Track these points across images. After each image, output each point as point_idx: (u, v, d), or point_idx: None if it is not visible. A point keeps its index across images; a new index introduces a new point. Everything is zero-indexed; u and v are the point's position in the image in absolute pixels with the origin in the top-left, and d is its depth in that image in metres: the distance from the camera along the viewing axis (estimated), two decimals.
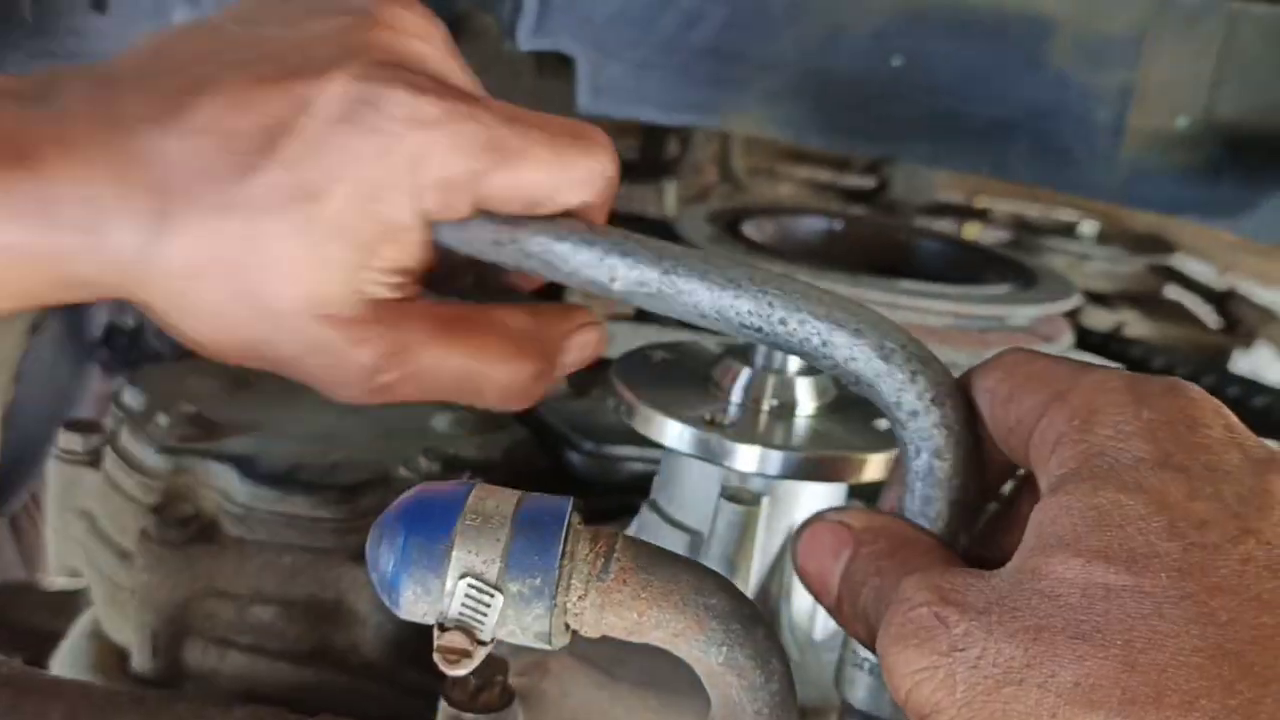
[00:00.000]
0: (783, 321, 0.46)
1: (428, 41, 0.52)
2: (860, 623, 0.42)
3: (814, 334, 0.46)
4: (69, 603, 1.23)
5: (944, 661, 0.36)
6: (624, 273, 0.49)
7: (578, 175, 0.51)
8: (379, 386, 0.52)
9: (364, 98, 0.48)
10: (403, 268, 0.51)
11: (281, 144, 0.47)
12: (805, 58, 1.03)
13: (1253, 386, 1.04)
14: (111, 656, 0.74)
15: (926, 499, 0.44)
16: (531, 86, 1.26)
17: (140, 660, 0.69)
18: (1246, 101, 0.97)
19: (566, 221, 0.51)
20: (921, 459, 0.44)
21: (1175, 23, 0.97)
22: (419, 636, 0.69)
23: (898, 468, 0.48)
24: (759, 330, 0.47)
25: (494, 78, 1.26)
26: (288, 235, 0.47)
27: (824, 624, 0.62)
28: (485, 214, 0.51)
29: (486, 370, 0.53)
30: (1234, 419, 0.39)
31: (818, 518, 0.45)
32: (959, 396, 0.44)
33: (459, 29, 1.08)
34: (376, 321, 0.51)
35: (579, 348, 0.57)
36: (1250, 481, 0.36)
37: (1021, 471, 0.46)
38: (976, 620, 0.36)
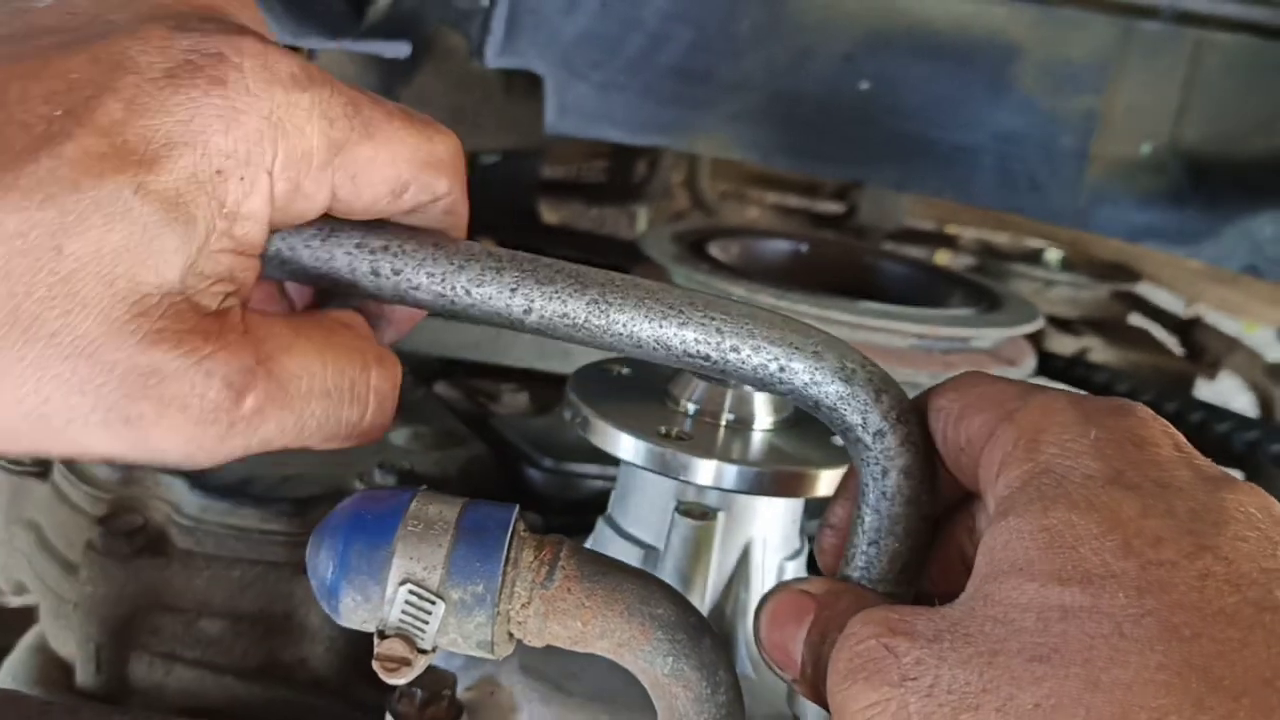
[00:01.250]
0: (735, 349, 0.43)
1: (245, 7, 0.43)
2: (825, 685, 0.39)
3: (770, 360, 0.43)
4: (16, 619, 1.21)
5: (895, 693, 0.34)
6: (542, 304, 0.44)
7: (440, 151, 0.45)
8: (244, 419, 0.39)
9: (201, 48, 0.38)
10: (231, 276, 0.40)
11: (97, 106, 0.36)
12: (773, 80, 1.03)
13: (1215, 412, 1.04)
14: (56, 670, 0.72)
15: (893, 518, 0.43)
16: (500, 106, 1.26)
17: (84, 674, 0.68)
18: (1210, 129, 0.98)
19: (460, 243, 0.45)
20: (890, 478, 0.43)
21: (1140, 50, 0.97)
22: (370, 651, 0.68)
23: (846, 485, 0.47)
24: (707, 359, 0.44)
25: (463, 96, 1.26)
26: (104, 219, 0.36)
27: None
28: (336, 222, 0.44)
29: (365, 377, 0.44)
30: (1182, 438, 0.38)
31: (780, 588, 0.44)
32: (918, 415, 0.44)
33: (428, 48, 1.07)
34: (221, 331, 0.39)
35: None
36: (1203, 498, 0.35)
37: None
38: (927, 648, 0.35)
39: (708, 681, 0.42)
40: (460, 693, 0.58)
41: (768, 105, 1.04)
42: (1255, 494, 0.35)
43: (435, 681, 0.56)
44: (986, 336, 0.88)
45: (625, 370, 0.64)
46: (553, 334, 0.44)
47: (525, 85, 1.21)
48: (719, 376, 0.46)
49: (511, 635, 0.43)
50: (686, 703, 0.43)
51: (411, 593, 0.41)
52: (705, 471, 0.55)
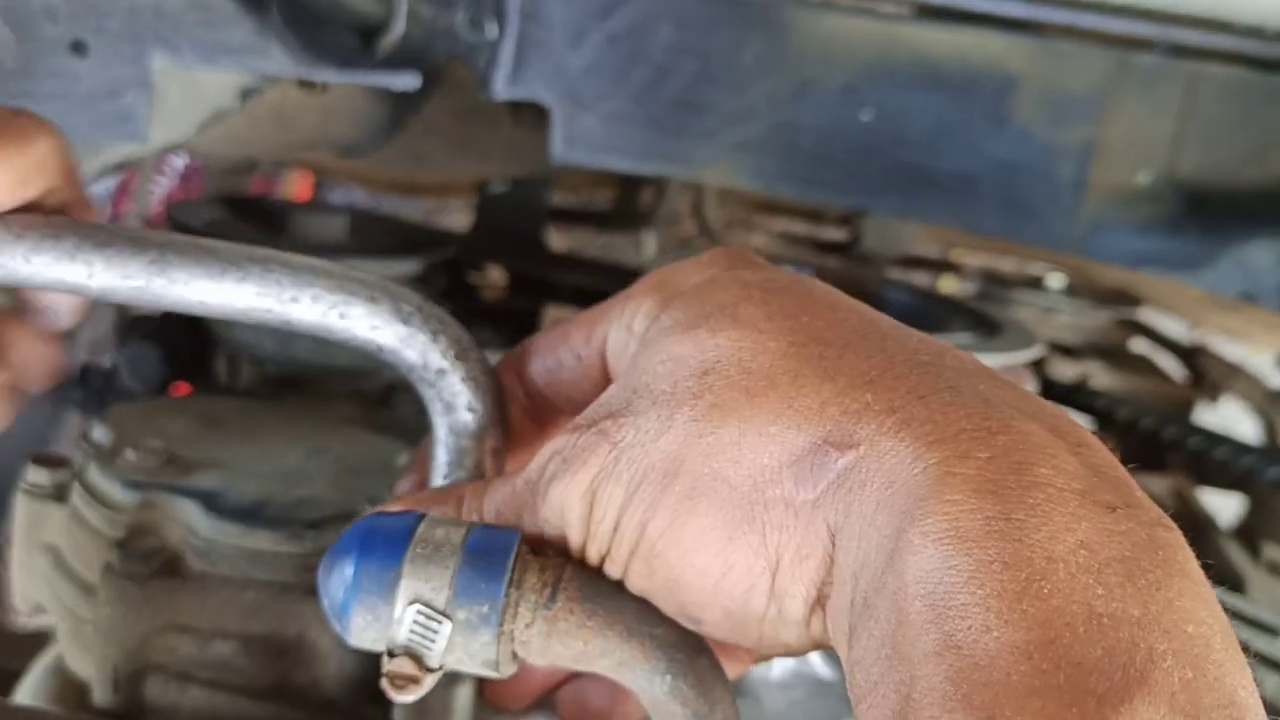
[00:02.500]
0: (294, 299, 0.44)
1: None
2: (567, 538, 0.44)
3: (329, 308, 0.44)
4: (30, 642, 1.23)
5: (610, 454, 0.39)
6: (102, 268, 0.43)
7: (31, 160, 0.44)
8: None
9: None
10: None
11: None
12: (775, 111, 1.05)
13: (1215, 438, 1.05)
14: (73, 691, 0.74)
15: (461, 451, 0.45)
16: (508, 135, 1.28)
17: (101, 695, 0.69)
18: (1206, 158, 0.99)
19: (17, 218, 0.45)
20: (454, 415, 0.45)
21: (1136, 82, 0.99)
22: (380, 673, 0.69)
23: (421, 449, 0.50)
24: (269, 311, 0.44)
25: (471, 126, 1.28)
26: None
27: (780, 663, 0.63)
28: None
29: None
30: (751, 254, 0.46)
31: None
32: (480, 352, 0.47)
33: (437, 79, 1.10)
34: None
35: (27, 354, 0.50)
36: (786, 274, 0.44)
37: None
38: (621, 415, 0.40)
39: (704, 699, 0.44)
40: None
41: (771, 135, 1.06)
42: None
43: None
44: (987, 363, 0.90)
45: None
46: (119, 298, 0.45)
47: (533, 115, 1.23)
48: (285, 328, 0.46)
49: (515, 654, 0.44)
50: (685, 719, 0.44)
51: (420, 612, 0.43)
52: None
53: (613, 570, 0.42)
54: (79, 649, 0.73)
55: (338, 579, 0.44)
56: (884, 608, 0.32)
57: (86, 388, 1.09)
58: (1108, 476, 0.33)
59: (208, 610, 0.69)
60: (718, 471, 0.37)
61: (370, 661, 0.70)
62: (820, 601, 0.37)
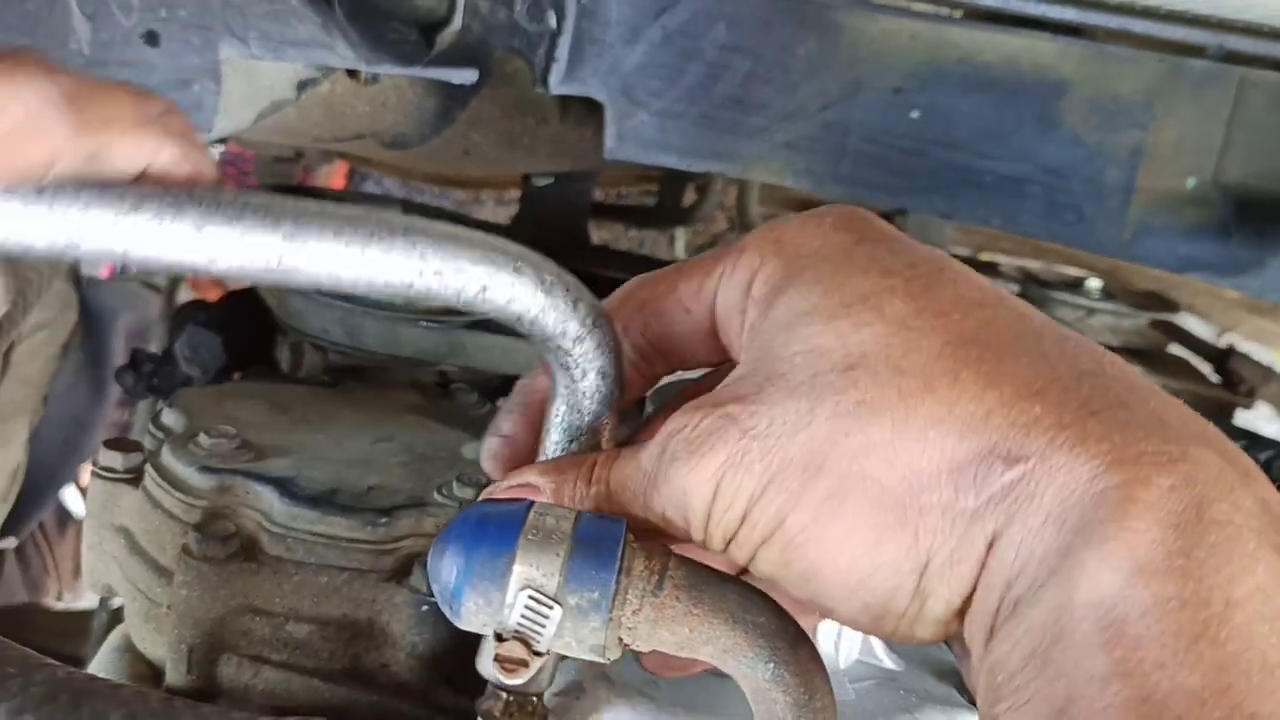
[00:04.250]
0: (438, 273, 0.43)
1: None
2: (688, 523, 0.43)
3: (473, 281, 0.43)
4: (74, 624, 1.24)
5: (739, 445, 0.39)
6: (230, 247, 0.40)
7: (110, 115, 0.41)
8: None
9: None
10: None
11: None
12: (825, 110, 1.06)
13: (1255, 440, 1.06)
14: (144, 670, 0.75)
15: (594, 415, 0.46)
16: (555, 130, 1.29)
17: (175, 675, 0.71)
18: (1254, 164, 1.00)
19: (132, 188, 0.41)
20: (588, 380, 0.46)
21: (1185, 87, 1.00)
22: (450, 657, 0.71)
23: (518, 398, 0.50)
24: (409, 286, 0.43)
25: (518, 120, 1.29)
26: None
27: (847, 653, 0.64)
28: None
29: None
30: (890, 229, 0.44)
31: (493, 491, 0.48)
32: (610, 320, 0.47)
33: (489, 73, 1.11)
34: None
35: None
36: (922, 253, 0.42)
37: None
38: (754, 401, 0.39)
39: (805, 688, 0.45)
40: (548, 697, 0.60)
41: (820, 135, 1.06)
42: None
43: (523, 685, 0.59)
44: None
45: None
46: (248, 280, 0.43)
47: (581, 110, 1.24)
48: (422, 299, 0.45)
49: (621, 640, 0.45)
50: (785, 707, 0.45)
51: (531, 598, 0.44)
52: None
53: (739, 555, 0.42)
54: (151, 629, 0.74)
55: (450, 564, 0.45)
56: (1039, 619, 0.32)
57: (137, 373, 1.10)
58: (1276, 514, 0.33)
59: (283, 594, 0.70)
60: (868, 471, 0.37)
61: (440, 645, 0.71)
62: (965, 604, 0.37)
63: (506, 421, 0.50)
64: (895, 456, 0.36)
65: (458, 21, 1.01)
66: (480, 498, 0.48)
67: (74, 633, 1.34)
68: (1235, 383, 1.37)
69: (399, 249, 0.42)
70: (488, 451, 0.51)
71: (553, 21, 1.03)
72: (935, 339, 0.37)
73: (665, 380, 0.68)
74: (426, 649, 0.70)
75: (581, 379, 0.46)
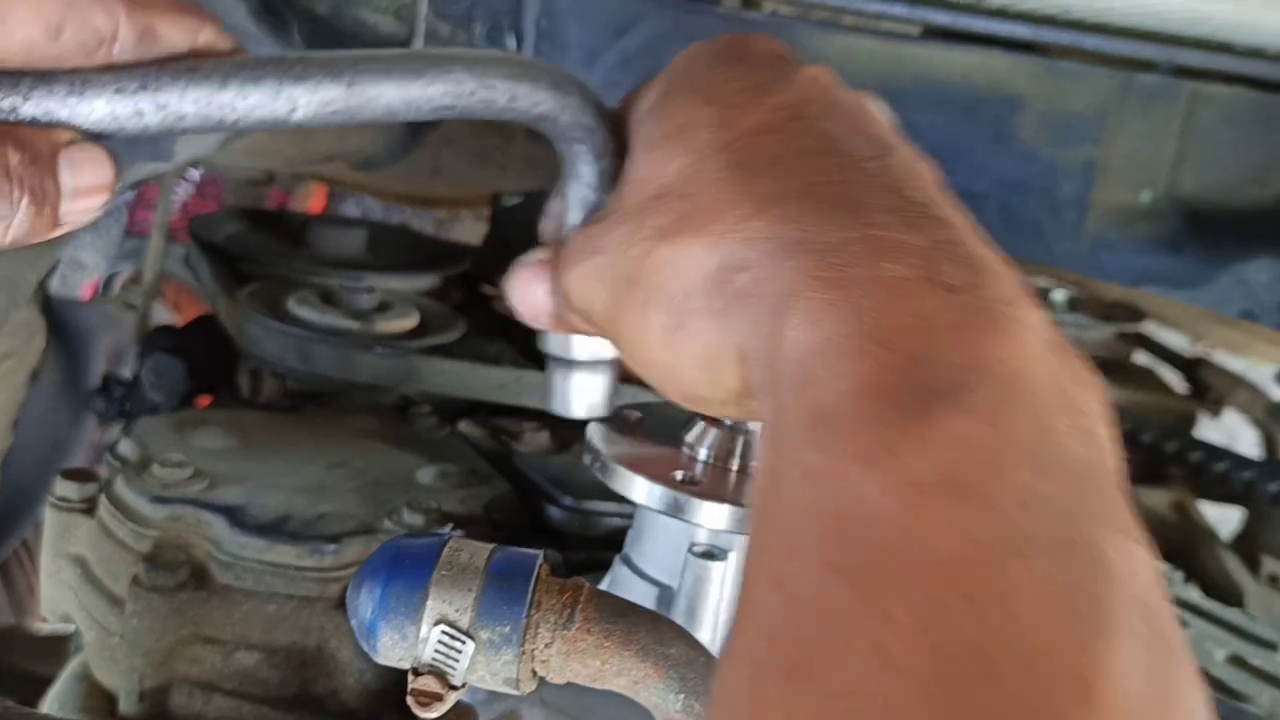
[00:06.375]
0: (472, 93, 0.50)
1: None
2: (578, 313, 0.51)
3: (505, 93, 0.50)
4: (57, 648, 1.25)
5: (593, 254, 0.48)
6: (306, 99, 0.46)
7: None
8: None
9: None
10: None
11: None
12: None
13: (1215, 452, 1.07)
14: (100, 699, 0.76)
15: (604, 194, 0.52)
16: (524, 149, 1.30)
17: (128, 704, 0.72)
18: (1206, 178, 1.01)
19: (210, 62, 0.45)
20: (603, 162, 0.51)
21: (1138, 102, 1.01)
22: (398, 684, 0.71)
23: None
24: (450, 107, 0.50)
25: (488, 139, 1.30)
26: None
27: None
28: (83, 74, 0.44)
29: None
30: (779, 49, 0.49)
31: (518, 263, 0.55)
32: (616, 116, 0.53)
33: None
34: None
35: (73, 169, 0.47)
36: (782, 69, 0.47)
37: None
38: (606, 221, 0.48)
39: None
40: None
41: None
42: (824, 70, 0.47)
43: (459, 716, 0.60)
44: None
45: (641, 416, 0.67)
46: (316, 125, 0.48)
47: None
48: (462, 116, 0.51)
49: (535, 673, 0.46)
50: None
51: (444, 633, 0.45)
52: (717, 515, 0.58)
53: (605, 337, 0.51)
54: (105, 659, 0.75)
55: (366, 599, 0.46)
56: (770, 377, 0.40)
57: (108, 397, 1.11)
58: (960, 261, 0.39)
59: (232, 622, 0.71)
60: (662, 283, 0.45)
61: (388, 673, 0.72)
62: (744, 383, 0.44)
63: (553, 205, 0.56)
64: (676, 270, 0.44)
65: (418, 45, 1.02)
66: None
67: (57, 656, 1.35)
68: (1203, 391, 1.38)
69: (439, 79, 0.48)
70: (541, 232, 0.56)
71: (511, 44, 1.04)
72: (717, 165, 0.44)
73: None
74: (374, 676, 0.71)
75: (598, 160, 0.52)
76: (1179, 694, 0.32)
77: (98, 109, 0.45)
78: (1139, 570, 0.33)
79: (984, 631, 0.30)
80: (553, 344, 0.58)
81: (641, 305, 0.46)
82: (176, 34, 0.45)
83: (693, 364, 0.45)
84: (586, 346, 0.57)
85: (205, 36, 0.46)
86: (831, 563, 0.32)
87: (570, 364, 0.58)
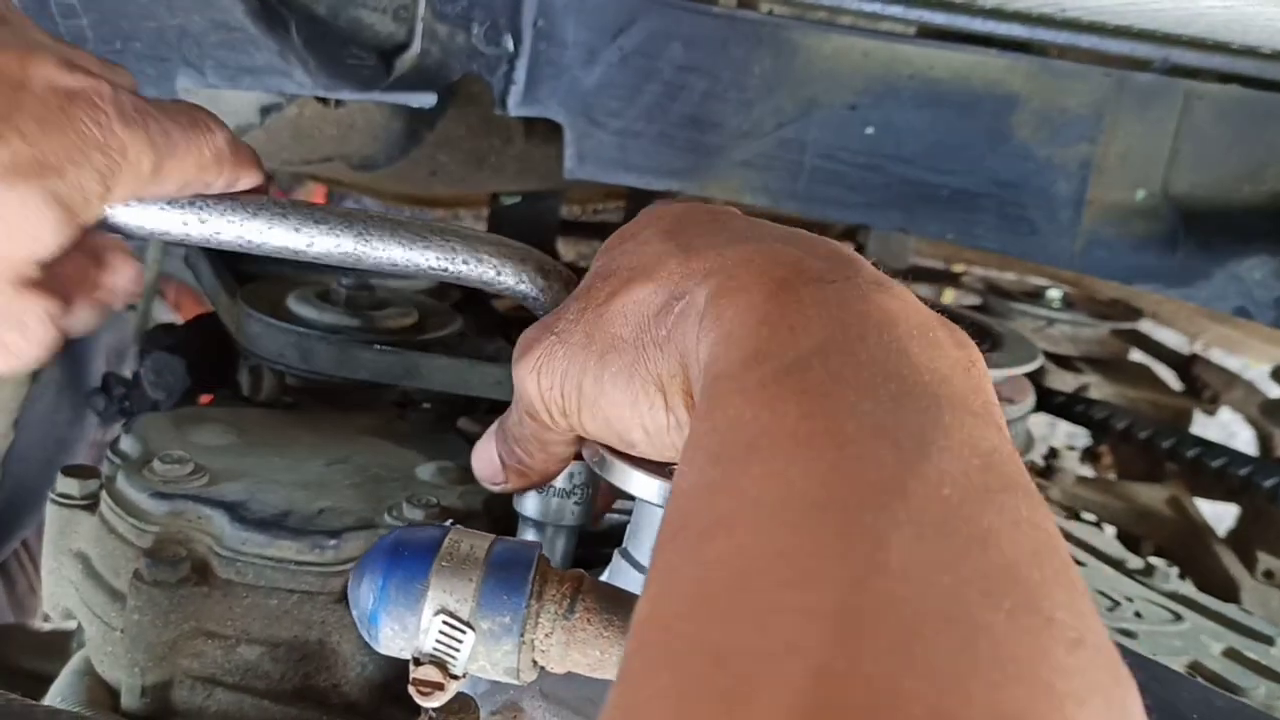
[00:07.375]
0: (465, 261, 0.61)
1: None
2: (539, 400, 0.56)
3: (490, 268, 0.61)
4: (59, 645, 1.25)
5: (547, 339, 0.55)
6: (320, 240, 0.60)
7: (208, 156, 0.59)
8: None
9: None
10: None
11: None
12: (782, 128, 1.07)
13: (1211, 448, 1.07)
14: (102, 694, 0.76)
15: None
16: (521, 149, 1.31)
17: (129, 698, 0.72)
18: (1200, 176, 1.02)
19: (252, 198, 0.60)
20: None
21: (1133, 101, 1.01)
22: (400, 677, 0.72)
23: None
24: (445, 270, 0.61)
25: (485, 140, 1.30)
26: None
27: None
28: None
29: None
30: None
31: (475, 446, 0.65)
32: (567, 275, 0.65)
33: (452, 94, 1.12)
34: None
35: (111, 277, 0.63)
36: (699, 226, 0.58)
37: None
38: (564, 314, 0.56)
39: None
40: (484, 717, 0.61)
41: (777, 152, 1.08)
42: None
43: (460, 706, 0.60)
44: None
45: None
46: (329, 261, 0.61)
47: (546, 129, 1.26)
48: (454, 282, 0.63)
49: (535, 662, 0.47)
50: None
51: (445, 623, 0.46)
52: None
53: (572, 424, 0.56)
54: (108, 654, 0.76)
55: (367, 590, 0.47)
56: (696, 370, 0.48)
57: (108, 396, 1.12)
58: (833, 261, 0.49)
59: (234, 616, 0.71)
60: (616, 334, 0.52)
61: (390, 666, 0.72)
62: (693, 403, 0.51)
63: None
64: (629, 315, 0.52)
65: (417, 46, 1.02)
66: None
67: (59, 653, 1.35)
68: (1199, 389, 1.38)
69: (437, 245, 0.60)
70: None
71: (510, 44, 1.04)
72: (661, 243, 0.54)
73: None
74: (376, 669, 0.72)
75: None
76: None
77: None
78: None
79: (826, 468, 0.37)
80: (527, 506, 0.69)
81: (600, 359, 0.53)
82: (233, 183, 0.61)
83: (654, 394, 0.52)
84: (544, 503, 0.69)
85: (245, 181, 0.61)
86: (711, 454, 0.40)
87: (539, 525, 0.70)
